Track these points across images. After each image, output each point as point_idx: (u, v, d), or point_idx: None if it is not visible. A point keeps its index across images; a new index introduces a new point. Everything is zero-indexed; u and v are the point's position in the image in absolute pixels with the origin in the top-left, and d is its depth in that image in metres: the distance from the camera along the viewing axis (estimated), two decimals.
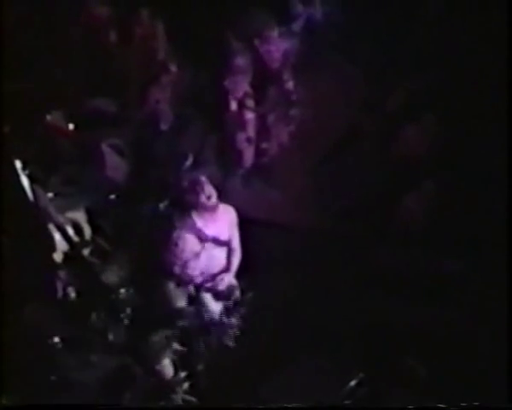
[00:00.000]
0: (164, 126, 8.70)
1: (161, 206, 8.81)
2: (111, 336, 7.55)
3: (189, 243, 7.38)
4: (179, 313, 7.49)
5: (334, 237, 8.19)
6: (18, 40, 7.98)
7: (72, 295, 7.57)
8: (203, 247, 7.38)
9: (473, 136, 8.14)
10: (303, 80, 9.02)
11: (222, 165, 8.77)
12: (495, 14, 8.07)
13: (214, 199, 7.39)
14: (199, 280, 7.47)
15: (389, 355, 7.21)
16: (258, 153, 8.92)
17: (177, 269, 7.42)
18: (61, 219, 7.81)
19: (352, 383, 7.14)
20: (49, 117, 8.07)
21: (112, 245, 8.13)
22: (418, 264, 7.91)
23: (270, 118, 8.97)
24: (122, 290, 7.68)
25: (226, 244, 7.54)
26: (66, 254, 7.72)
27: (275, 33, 8.96)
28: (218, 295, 7.56)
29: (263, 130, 8.95)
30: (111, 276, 7.79)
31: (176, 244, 7.39)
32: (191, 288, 7.51)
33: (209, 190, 7.39)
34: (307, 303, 7.81)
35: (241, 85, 8.87)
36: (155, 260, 7.61)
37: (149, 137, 8.63)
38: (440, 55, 8.51)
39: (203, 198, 7.37)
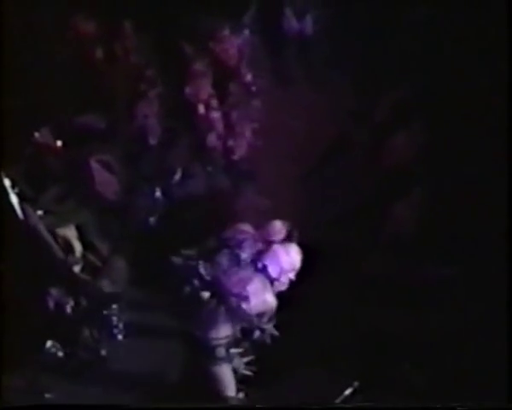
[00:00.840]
0: (152, 141, 8.69)
1: (151, 220, 8.84)
2: (103, 352, 7.54)
3: None
4: None
5: (324, 247, 8.17)
6: (4, 58, 7.95)
7: (65, 311, 7.54)
8: None
9: (462, 142, 8.16)
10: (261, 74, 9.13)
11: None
12: (483, 20, 8.13)
13: None
14: None
15: (384, 363, 7.20)
16: (227, 151, 9.02)
17: None
18: (51, 236, 7.78)
19: (347, 391, 7.14)
20: (37, 134, 8.03)
21: (103, 261, 8.12)
22: (410, 271, 7.92)
23: (234, 114, 9.06)
24: (114, 306, 7.66)
25: None
26: (57, 271, 7.68)
27: (226, 32, 9.07)
28: None
29: (228, 127, 9.05)
30: (103, 291, 7.79)
31: None
32: None
33: None
34: (299, 312, 7.81)
35: (204, 89, 8.96)
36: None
37: (138, 151, 8.62)
38: (427, 63, 8.55)
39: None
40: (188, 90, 8.95)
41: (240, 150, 9.08)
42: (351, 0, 9.08)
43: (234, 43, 9.13)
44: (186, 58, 9.02)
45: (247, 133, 9.07)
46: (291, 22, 9.42)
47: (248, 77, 9.13)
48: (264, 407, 6.77)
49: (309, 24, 9.40)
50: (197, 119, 8.95)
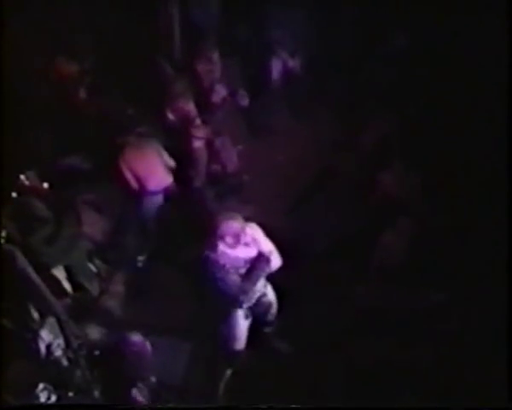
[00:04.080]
0: None
1: (140, 259, 8.83)
2: (96, 393, 7.46)
3: None
4: None
5: (313, 278, 8.20)
6: None
7: (56, 354, 7.48)
8: None
9: (448, 172, 8.26)
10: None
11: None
12: (467, 49, 8.26)
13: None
14: None
15: (376, 392, 7.18)
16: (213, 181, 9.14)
17: None
18: (40, 279, 7.74)
19: None
20: (23, 177, 8.02)
21: (93, 302, 8.09)
22: (400, 299, 7.95)
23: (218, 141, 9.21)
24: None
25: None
26: (46, 314, 7.63)
27: (215, 55, 9.19)
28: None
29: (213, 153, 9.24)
30: (93, 332, 7.74)
31: None
32: None
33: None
34: (288, 342, 7.83)
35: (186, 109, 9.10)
36: None
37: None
38: (412, 94, 8.66)
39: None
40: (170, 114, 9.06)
41: (227, 182, 9.17)
42: (336, 36, 9.24)
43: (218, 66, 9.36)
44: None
45: (233, 162, 9.19)
46: (278, 59, 9.58)
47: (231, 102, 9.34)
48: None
49: (296, 61, 9.57)
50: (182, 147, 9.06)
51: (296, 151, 9.17)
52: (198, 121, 9.18)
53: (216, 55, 9.48)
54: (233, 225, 7.29)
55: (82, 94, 8.92)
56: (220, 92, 9.52)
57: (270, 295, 7.74)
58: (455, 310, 7.65)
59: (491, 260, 7.49)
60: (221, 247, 7.29)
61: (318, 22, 9.48)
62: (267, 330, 7.86)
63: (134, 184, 8.53)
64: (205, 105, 9.36)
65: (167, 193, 8.83)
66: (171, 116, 9.15)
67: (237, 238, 7.30)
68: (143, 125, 8.86)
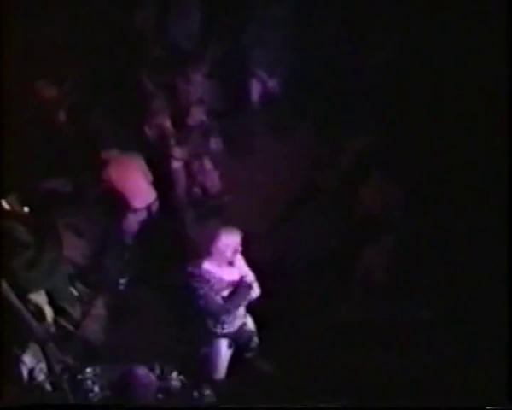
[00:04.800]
0: None
1: (121, 282, 8.79)
2: None
3: None
4: None
5: (296, 295, 8.20)
6: None
7: (39, 378, 7.43)
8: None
9: (431, 190, 8.31)
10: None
11: None
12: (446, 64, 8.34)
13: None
14: None
15: (362, 406, 7.18)
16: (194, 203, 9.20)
17: None
18: (21, 303, 7.69)
19: None
20: (3, 201, 7.98)
21: (75, 326, 8.04)
22: (384, 315, 7.96)
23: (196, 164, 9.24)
24: (88, 369, 7.57)
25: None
26: (29, 338, 7.58)
27: (196, 76, 9.25)
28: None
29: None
30: (76, 356, 7.70)
31: None
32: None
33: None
34: (273, 360, 7.80)
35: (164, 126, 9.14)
36: None
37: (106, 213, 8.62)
38: (391, 112, 8.71)
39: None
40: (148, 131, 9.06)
41: (208, 203, 9.18)
42: (315, 55, 9.29)
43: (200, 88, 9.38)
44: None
45: (213, 181, 9.21)
46: (258, 78, 9.61)
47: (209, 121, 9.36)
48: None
49: (275, 81, 9.61)
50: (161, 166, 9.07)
51: (276, 170, 9.18)
52: (173, 141, 9.18)
53: (197, 77, 9.48)
54: (233, 239, 7.33)
55: (62, 117, 8.90)
56: (196, 116, 9.50)
57: (251, 325, 7.74)
58: (439, 326, 7.68)
59: (476, 274, 7.54)
60: (206, 265, 7.30)
61: (297, 41, 9.51)
62: (249, 355, 7.84)
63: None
64: (181, 125, 9.36)
65: (150, 209, 8.83)
66: (149, 132, 9.16)
67: (235, 254, 7.34)
68: (124, 142, 8.85)
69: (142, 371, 7.19)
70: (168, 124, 9.23)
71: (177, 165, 9.18)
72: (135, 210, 8.69)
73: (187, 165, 9.27)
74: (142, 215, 8.77)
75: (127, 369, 7.20)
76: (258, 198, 9.09)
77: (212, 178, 9.37)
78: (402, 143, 8.52)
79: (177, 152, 9.18)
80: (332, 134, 9.12)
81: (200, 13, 9.75)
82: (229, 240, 7.37)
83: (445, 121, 8.35)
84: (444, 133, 8.32)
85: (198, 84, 9.50)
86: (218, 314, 7.37)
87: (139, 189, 8.72)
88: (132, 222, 8.74)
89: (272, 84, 9.68)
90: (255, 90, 9.74)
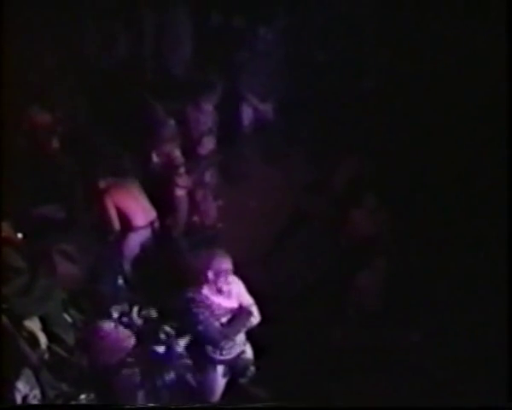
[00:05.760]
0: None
1: (113, 311, 8.75)
2: None
3: None
4: None
5: (288, 321, 8.19)
6: None
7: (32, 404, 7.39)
8: None
9: (423, 211, 8.34)
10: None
11: None
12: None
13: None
14: None
15: None
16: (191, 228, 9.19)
17: None
18: (14, 329, 7.66)
19: None
20: None
21: (69, 352, 8.00)
22: (375, 339, 7.96)
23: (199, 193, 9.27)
24: (82, 396, 7.54)
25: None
26: (22, 365, 7.55)
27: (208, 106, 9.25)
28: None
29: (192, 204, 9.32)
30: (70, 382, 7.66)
31: None
32: None
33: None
34: (266, 387, 7.78)
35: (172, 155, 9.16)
36: None
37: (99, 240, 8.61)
38: (383, 136, 8.76)
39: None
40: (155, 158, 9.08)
41: (203, 232, 9.18)
42: (306, 80, 9.35)
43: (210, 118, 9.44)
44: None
45: (211, 211, 9.21)
46: (249, 102, 9.65)
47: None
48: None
49: (267, 106, 9.64)
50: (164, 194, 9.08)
51: (269, 196, 9.22)
52: (182, 170, 9.19)
53: (208, 106, 9.50)
54: (224, 264, 7.35)
55: (55, 143, 8.92)
56: (207, 145, 9.51)
57: (249, 354, 7.72)
58: (431, 350, 7.69)
59: (472, 296, 7.57)
60: (205, 290, 7.30)
61: (289, 67, 9.57)
62: (243, 380, 7.82)
63: (117, 224, 8.55)
64: (191, 155, 9.36)
65: (153, 227, 8.85)
66: (156, 159, 9.17)
67: (225, 281, 7.33)
68: (125, 166, 8.88)
69: None
70: (178, 152, 9.23)
71: (180, 193, 9.19)
72: (138, 229, 8.69)
73: (190, 193, 9.28)
74: (146, 234, 8.76)
75: None
76: (250, 224, 9.11)
77: (211, 209, 9.39)
78: (393, 166, 8.57)
79: (183, 180, 9.19)
80: (323, 158, 9.16)
81: (193, 41, 9.83)
82: (223, 266, 7.39)
83: (436, 143, 8.41)
84: (435, 154, 8.37)
85: (209, 114, 9.51)
86: (216, 341, 7.36)
87: (141, 207, 8.74)
88: (134, 243, 8.73)
89: (264, 108, 9.71)
90: (246, 114, 9.78)
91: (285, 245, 8.98)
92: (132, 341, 7.56)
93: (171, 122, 9.33)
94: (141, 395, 7.44)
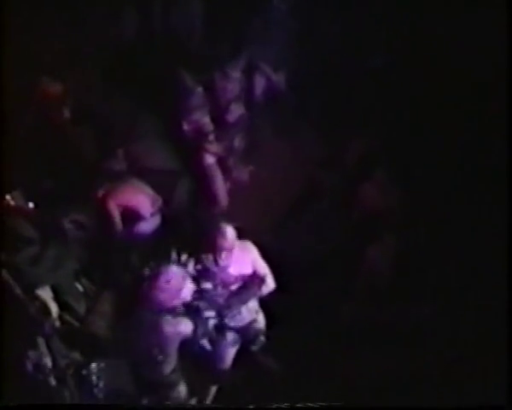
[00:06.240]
0: None
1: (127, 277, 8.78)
2: None
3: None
4: None
5: (299, 294, 8.20)
6: None
7: (44, 373, 7.44)
8: None
9: (433, 186, 8.31)
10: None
11: None
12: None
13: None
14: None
15: (368, 405, 7.19)
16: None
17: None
18: (26, 298, 7.71)
19: None
20: (8, 197, 8.00)
21: (80, 321, 8.05)
22: (385, 312, 7.97)
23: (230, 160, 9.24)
24: (93, 365, 7.58)
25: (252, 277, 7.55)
26: (34, 333, 7.60)
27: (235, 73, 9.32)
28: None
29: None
30: (81, 351, 7.71)
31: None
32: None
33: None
34: (277, 360, 7.80)
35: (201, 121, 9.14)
36: None
37: None
38: (396, 110, 8.72)
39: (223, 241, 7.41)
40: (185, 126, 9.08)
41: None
42: (319, 52, 9.29)
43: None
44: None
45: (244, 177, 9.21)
46: (262, 71, 9.59)
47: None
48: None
49: (281, 76, 9.58)
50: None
51: (280, 168, 9.19)
52: (212, 137, 9.18)
53: (235, 73, 9.46)
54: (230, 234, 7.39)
55: (66, 114, 8.91)
56: (235, 112, 9.47)
57: (261, 323, 7.74)
58: (442, 324, 7.69)
59: (480, 272, 7.56)
60: (214, 258, 7.33)
61: (300, 37, 9.50)
62: (254, 348, 7.84)
63: (119, 222, 8.54)
64: (220, 122, 9.36)
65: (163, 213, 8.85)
66: (186, 127, 9.15)
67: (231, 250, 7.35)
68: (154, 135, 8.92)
69: None
70: (207, 119, 9.22)
71: (211, 160, 9.18)
72: (144, 217, 8.68)
73: (220, 160, 9.28)
74: (155, 220, 8.77)
75: None
76: (261, 196, 9.11)
77: (245, 174, 9.37)
78: (405, 141, 8.54)
79: (213, 147, 9.18)
80: (335, 132, 9.13)
81: (203, 7, 9.77)
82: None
83: (447, 118, 8.36)
84: (446, 129, 8.33)
85: (236, 81, 9.48)
86: (220, 309, 7.38)
87: (145, 199, 8.69)
88: (144, 228, 8.74)
89: (277, 78, 9.65)
90: (259, 83, 9.72)
91: (296, 218, 8.96)
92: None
93: (199, 89, 9.28)
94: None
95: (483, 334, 7.38)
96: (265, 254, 7.73)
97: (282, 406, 6.84)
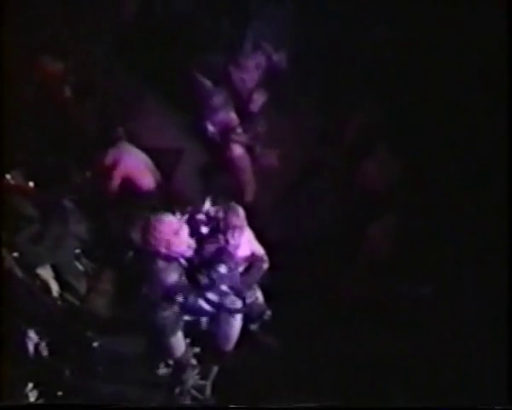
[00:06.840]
0: None
1: (127, 256, 8.79)
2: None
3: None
4: None
5: (299, 270, 8.21)
6: None
7: (44, 353, 7.48)
8: None
9: (434, 164, 8.28)
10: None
11: None
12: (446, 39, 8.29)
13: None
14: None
15: (367, 383, 7.21)
16: None
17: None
18: (27, 278, 7.74)
19: None
20: (8, 176, 8.01)
21: (80, 300, 8.08)
22: (385, 291, 7.98)
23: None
24: (95, 344, 7.61)
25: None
26: (35, 313, 7.63)
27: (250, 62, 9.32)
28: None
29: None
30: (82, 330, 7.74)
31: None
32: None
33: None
34: (276, 336, 7.83)
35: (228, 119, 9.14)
36: None
37: None
38: (396, 86, 8.68)
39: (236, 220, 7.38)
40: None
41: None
42: (317, 31, 9.24)
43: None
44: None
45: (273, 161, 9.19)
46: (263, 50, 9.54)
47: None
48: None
49: (282, 55, 9.53)
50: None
51: (281, 146, 9.18)
52: (240, 130, 9.17)
53: (251, 63, 9.43)
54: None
55: (67, 92, 8.90)
56: (258, 101, 9.43)
57: (261, 299, 7.76)
58: (441, 303, 7.70)
59: (480, 251, 7.55)
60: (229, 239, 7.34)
61: (302, 16, 9.45)
62: (253, 327, 7.86)
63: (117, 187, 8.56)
64: (244, 114, 9.33)
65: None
66: (211, 129, 9.13)
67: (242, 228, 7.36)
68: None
69: None
70: (233, 115, 9.22)
71: (239, 151, 9.17)
72: (147, 192, 8.68)
73: (249, 150, 9.28)
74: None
75: None
76: (261, 172, 9.11)
77: (274, 157, 9.35)
78: (405, 117, 8.50)
79: (240, 137, 9.17)
80: (335, 108, 9.09)
81: None
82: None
83: (449, 93, 8.31)
84: (449, 105, 8.28)
85: (252, 70, 9.45)
86: (240, 289, 7.39)
87: (146, 171, 8.70)
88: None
89: (278, 58, 9.60)
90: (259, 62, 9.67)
91: (296, 195, 8.95)
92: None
93: (220, 89, 9.28)
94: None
95: (483, 312, 7.38)
96: (265, 233, 7.72)
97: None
